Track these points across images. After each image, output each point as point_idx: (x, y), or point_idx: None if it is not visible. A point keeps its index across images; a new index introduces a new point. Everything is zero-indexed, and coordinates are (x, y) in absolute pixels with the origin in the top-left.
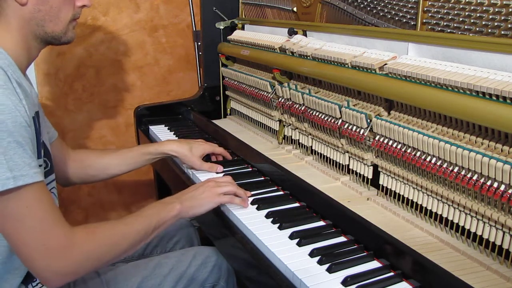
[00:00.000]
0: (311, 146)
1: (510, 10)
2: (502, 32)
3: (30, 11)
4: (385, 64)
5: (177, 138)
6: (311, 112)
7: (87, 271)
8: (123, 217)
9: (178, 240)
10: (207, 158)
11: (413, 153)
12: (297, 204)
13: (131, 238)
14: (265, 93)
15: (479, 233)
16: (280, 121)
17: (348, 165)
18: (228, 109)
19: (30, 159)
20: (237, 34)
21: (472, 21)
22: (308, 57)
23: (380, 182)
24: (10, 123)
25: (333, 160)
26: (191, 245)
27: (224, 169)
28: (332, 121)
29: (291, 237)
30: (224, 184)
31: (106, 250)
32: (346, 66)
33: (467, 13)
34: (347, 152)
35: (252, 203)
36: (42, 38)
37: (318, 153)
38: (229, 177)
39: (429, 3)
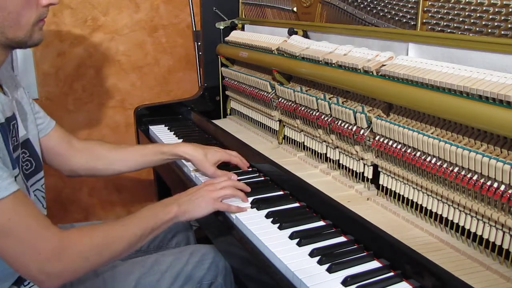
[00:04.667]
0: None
1: (510, 10)
2: (502, 32)
3: None
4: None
5: (177, 138)
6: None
7: (85, 272)
8: (121, 218)
9: (176, 239)
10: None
11: (413, 153)
12: (297, 204)
13: (127, 239)
14: (265, 93)
15: (479, 233)
16: (280, 121)
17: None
18: (228, 109)
19: (0, 171)
20: (234, 35)
21: (472, 21)
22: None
23: (380, 182)
24: None
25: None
26: (189, 244)
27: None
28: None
29: (291, 237)
30: (221, 187)
31: (101, 251)
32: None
33: (467, 13)
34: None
35: (252, 203)
36: (5, 44)
37: (314, 151)
38: (227, 178)
39: (429, 3)
